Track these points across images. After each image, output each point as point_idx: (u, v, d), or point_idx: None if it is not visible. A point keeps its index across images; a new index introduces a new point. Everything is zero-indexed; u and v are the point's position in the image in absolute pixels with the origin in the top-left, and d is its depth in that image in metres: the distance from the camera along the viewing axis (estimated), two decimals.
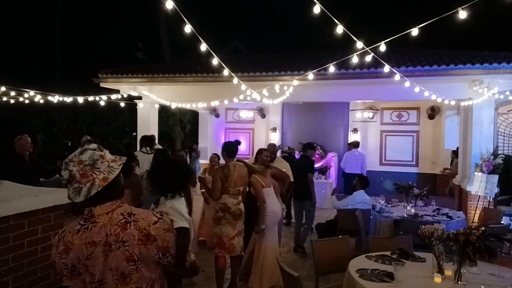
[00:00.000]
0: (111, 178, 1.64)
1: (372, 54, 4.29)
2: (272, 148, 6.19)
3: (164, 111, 12.58)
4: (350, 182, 9.65)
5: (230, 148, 4.58)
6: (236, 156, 4.65)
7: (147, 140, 7.07)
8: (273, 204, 4.79)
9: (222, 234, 4.41)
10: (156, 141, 10.00)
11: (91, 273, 1.59)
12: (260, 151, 5.42)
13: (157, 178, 2.24)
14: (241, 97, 7.81)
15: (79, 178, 1.60)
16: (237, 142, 4.70)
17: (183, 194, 2.16)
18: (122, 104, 10.63)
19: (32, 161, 5.60)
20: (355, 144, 10.03)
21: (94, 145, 1.71)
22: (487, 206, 7.08)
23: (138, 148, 7.45)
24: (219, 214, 4.45)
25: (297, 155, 10.36)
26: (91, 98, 9.15)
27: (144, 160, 6.26)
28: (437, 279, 2.86)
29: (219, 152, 5.16)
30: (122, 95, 9.71)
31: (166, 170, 2.23)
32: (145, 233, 1.60)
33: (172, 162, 2.37)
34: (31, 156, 5.62)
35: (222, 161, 4.86)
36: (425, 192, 6.21)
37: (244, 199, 4.66)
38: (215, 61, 4.74)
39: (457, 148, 9.70)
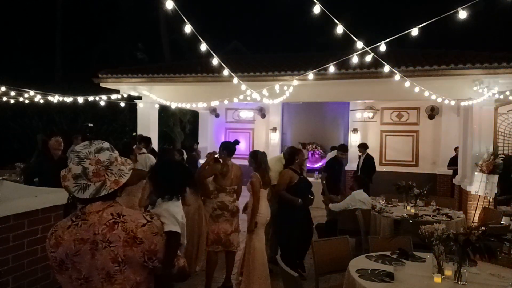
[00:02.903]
0: (122, 182, 1.65)
1: (372, 54, 4.29)
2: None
3: (164, 111, 12.58)
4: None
5: (230, 147, 4.67)
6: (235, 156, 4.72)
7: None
8: (264, 205, 4.84)
9: (220, 230, 4.49)
10: (156, 141, 9.99)
11: (78, 270, 1.60)
12: (298, 151, 5.39)
13: (157, 179, 2.16)
14: (241, 97, 7.81)
15: (91, 176, 1.59)
16: (236, 142, 4.79)
17: (180, 197, 2.09)
18: (122, 104, 10.64)
19: (61, 161, 5.63)
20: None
21: (107, 144, 1.70)
22: (487, 206, 7.08)
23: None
24: (217, 212, 4.52)
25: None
26: (91, 98, 9.15)
27: None
28: (437, 279, 2.86)
29: None
30: (122, 95, 9.71)
31: (168, 171, 2.16)
32: (131, 235, 1.58)
33: (174, 164, 2.27)
34: (62, 155, 5.70)
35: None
36: (425, 192, 6.20)
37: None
38: (215, 61, 4.74)
39: (457, 148, 9.71)
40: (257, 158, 4.86)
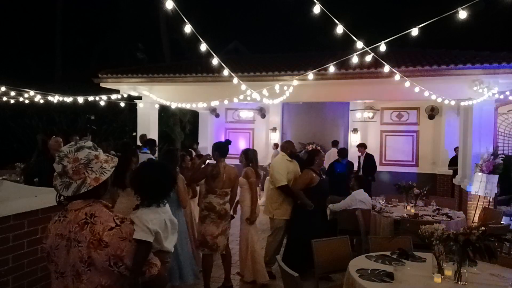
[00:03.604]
0: (103, 179, 1.68)
1: (372, 54, 4.29)
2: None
3: (164, 111, 12.57)
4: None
5: (222, 148, 4.60)
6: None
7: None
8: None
9: (206, 232, 4.43)
10: (156, 141, 9.98)
11: (55, 263, 1.65)
12: (317, 153, 5.37)
13: (134, 184, 1.99)
14: (241, 97, 7.81)
15: (71, 174, 1.64)
16: (228, 142, 4.74)
17: (163, 204, 1.91)
18: (122, 104, 10.63)
19: None
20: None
21: (90, 143, 1.73)
22: (487, 206, 7.08)
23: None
24: (204, 213, 4.48)
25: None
26: (91, 98, 9.15)
27: None
28: (437, 279, 2.86)
29: None
30: (122, 95, 9.71)
31: (145, 177, 1.96)
32: (97, 238, 1.58)
33: (154, 169, 2.02)
34: None
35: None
36: (425, 192, 6.20)
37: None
38: (215, 61, 4.74)
39: (457, 148, 9.70)
40: (248, 155, 4.98)
